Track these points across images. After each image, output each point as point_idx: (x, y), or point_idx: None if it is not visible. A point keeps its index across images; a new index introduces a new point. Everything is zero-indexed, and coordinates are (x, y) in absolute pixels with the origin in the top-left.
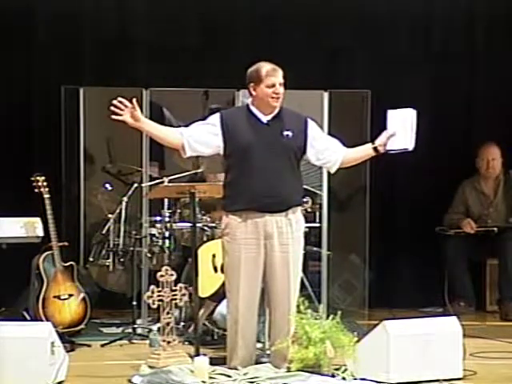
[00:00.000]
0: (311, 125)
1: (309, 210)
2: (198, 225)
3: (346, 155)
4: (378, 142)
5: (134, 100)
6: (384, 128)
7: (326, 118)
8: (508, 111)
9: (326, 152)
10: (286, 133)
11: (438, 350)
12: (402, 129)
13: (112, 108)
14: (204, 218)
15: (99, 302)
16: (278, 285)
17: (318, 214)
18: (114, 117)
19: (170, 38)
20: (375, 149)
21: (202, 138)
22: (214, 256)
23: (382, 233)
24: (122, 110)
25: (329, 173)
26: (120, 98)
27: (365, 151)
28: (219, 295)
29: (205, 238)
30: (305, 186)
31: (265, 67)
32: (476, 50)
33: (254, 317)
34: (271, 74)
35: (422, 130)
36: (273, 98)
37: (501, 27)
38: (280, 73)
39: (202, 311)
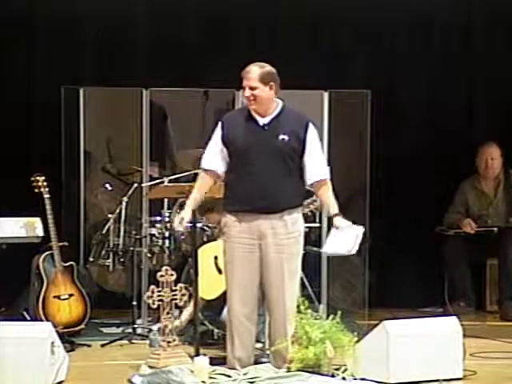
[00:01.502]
0: (311, 131)
1: (316, 209)
2: (198, 225)
3: (318, 190)
4: (335, 222)
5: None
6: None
7: (326, 118)
8: (508, 111)
9: (305, 168)
10: (281, 136)
11: (437, 350)
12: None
13: None
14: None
15: (99, 302)
16: (273, 286)
17: (318, 213)
18: None
19: (170, 38)
20: (333, 216)
21: (220, 157)
22: (215, 258)
23: (382, 233)
24: None
25: (330, 172)
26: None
27: (326, 207)
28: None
29: (205, 239)
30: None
31: (244, 69)
32: (476, 50)
33: (250, 317)
34: (243, 76)
35: (422, 130)
36: (247, 100)
37: (501, 27)
38: (249, 76)
39: (189, 308)
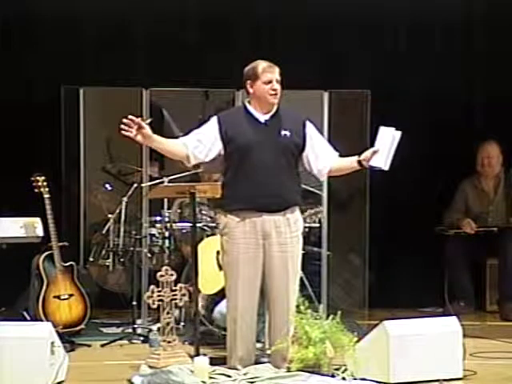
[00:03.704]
0: (309, 126)
1: (315, 217)
2: (198, 224)
3: (334, 165)
4: (363, 156)
5: (147, 120)
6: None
7: (326, 118)
8: (508, 111)
9: (318, 159)
10: (283, 132)
11: (438, 350)
12: (386, 148)
13: (122, 126)
14: (204, 217)
15: (99, 302)
16: (276, 285)
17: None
18: (123, 133)
19: (170, 38)
20: (359, 162)
21: (206, 146)
22: (218, 253)
23: (382, 233)
24: (131, 127)
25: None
26: (130, 116)
27: (350, 163)
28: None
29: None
30: (305, 186)
31: (261, 64)
32: (476, 50)
33: (253, 317)
34: (267, 70)
35: (422, 129)
36: (270, 94)
37: (501, 27)
38: (276, 69)
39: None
